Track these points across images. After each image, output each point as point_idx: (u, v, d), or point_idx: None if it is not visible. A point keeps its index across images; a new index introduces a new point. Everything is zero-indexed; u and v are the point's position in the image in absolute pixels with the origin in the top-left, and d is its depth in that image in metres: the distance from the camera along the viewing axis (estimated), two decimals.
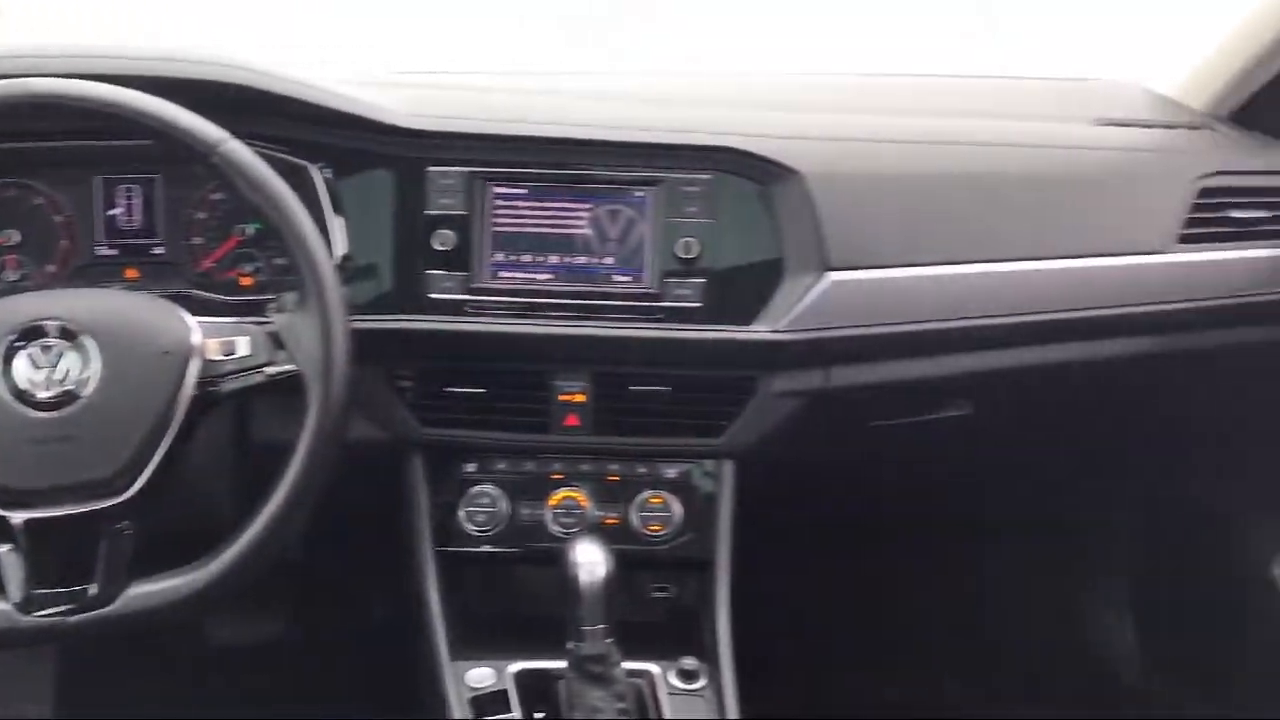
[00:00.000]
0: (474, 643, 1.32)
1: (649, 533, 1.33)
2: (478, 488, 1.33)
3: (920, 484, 1.83)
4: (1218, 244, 1.43)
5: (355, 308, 1.21)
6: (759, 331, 1.28)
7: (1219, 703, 1.82)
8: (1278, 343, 1.51)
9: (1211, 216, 1.43)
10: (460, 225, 1.27)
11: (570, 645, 1.18)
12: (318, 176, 1.25)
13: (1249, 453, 1.73)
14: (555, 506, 1.33)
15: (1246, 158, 1.51)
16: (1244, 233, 1.44)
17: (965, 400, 1.50)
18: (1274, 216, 1.46)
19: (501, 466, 1.34)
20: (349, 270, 1.25)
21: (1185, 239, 1.41)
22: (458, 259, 1.27)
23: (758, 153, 1.29)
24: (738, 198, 1.30)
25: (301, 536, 1.15)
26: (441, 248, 1.26)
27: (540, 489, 1.34)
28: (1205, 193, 1.43)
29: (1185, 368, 1.54)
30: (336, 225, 1.25)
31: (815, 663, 1.91)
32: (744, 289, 1.30)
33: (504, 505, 1.33)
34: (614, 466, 1.35)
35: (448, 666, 1.29)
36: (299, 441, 1.03)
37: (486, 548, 1.33)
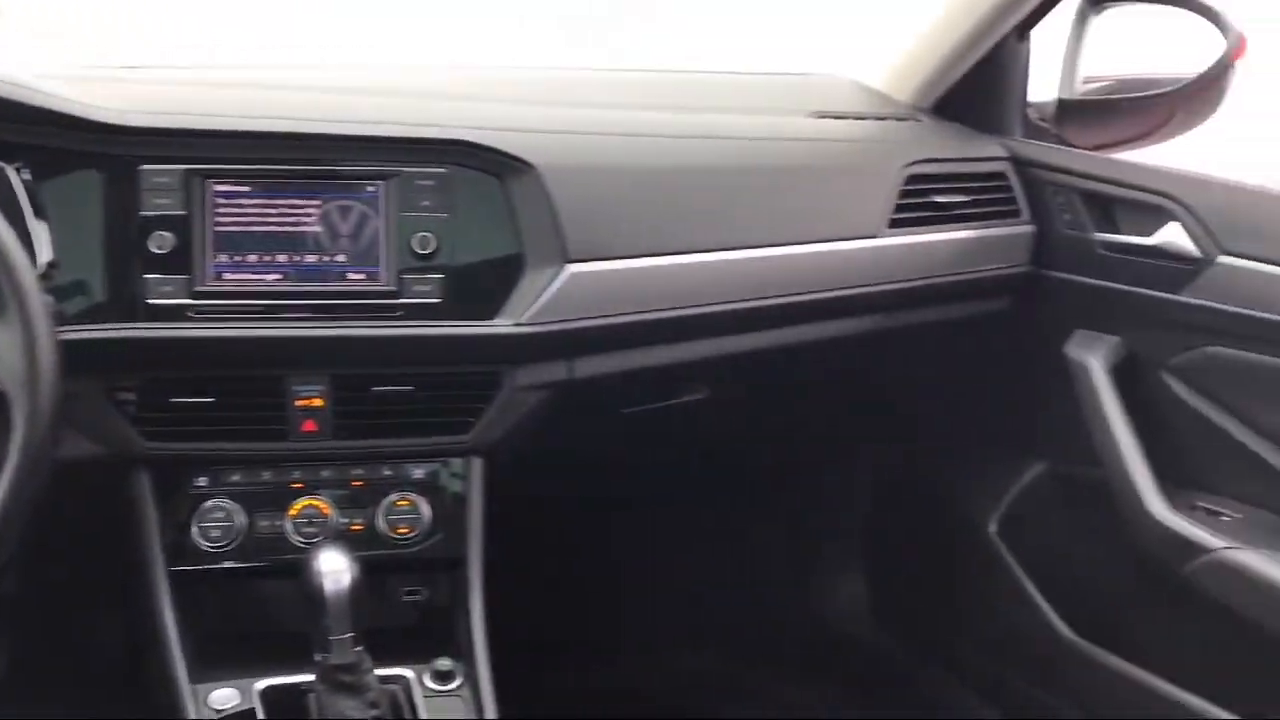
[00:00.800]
0: (216, 663, 1.27)
1: (397, 536, 1.31)
2: (211, 502, 1.27)
3: (666, 467, 1.88)
4: (923, 227, 1.53)
5: (65, 318, 1.14)
6: (501, 326, 1.28)
7: (947, 661, 1.96)
8: (976, 320, 1.64)
9: (917, 202, 1.53)
10: (179, 226, 1.20)
11: (318, 657, 1.15)
12: (15, 178, 1.15)
13: (958, 422, 1.87)
14: (296, 516, 1.28)
15: (947, 146, 1.63)
16: (946, 216, 1.55)
17: (702, 385, 1.55)
18: (972, 201, 1.58)
19: (236, 478, 1.28)
20: (55, 278, 1.16)
21: (894, 223, 1.50)
22: (177, 262, 1.20)
23: (490, 145, 1.28)
24: (474, 191, 1.28)
25: (13, 566, 1.07)
26: (159, 250, 1.19)
27: (279, 499, 1.29)
28: (911, 180, 1.53)
29: (898, 345, 1.65)
30: (39, 230, 1.16)
31: (572, 649, 1.93)
32: (484, 283, 1.29)
33: (240, 519, 1.27)
34: (358, 471, 1.31)
35: (187, 690, 1.23)
36: (2, 465, 0.95)
37: (226, 564, 1.27)
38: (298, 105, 1.31)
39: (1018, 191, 1.61)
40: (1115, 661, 1.61)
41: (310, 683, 1.19)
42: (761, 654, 2.05)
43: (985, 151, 1.63)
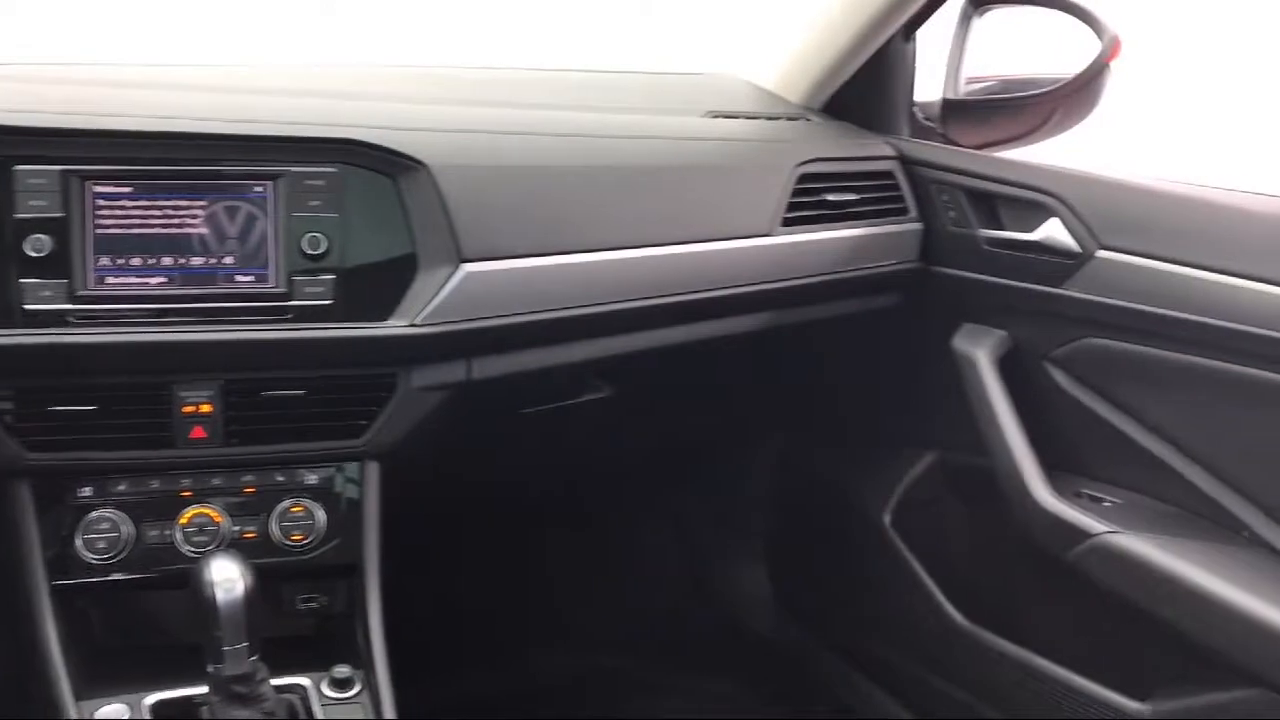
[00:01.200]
0: (104, 678, 1.23)
1: (291, 543, 1.29)
2: (96, 513, 1.23)
3: (568, 466, 1.88)
4: (815, 225, 1.56)
5: None
6: (395, 327, 1.26)
7: (849, 651, 1.99)
8: (868, 315, 1.67)
9: (809, 200, 1.55)
10: (57, 229, 1.16)
11: (211, 668, 1.12)
12: None
13: (853, 415, 1.90)
14: (186, 525, 1.25)
15: (837, 146, 1.65)
16: (837, 215, 1.58)
17: (602, 383, 1.56)
18: (862, 199, 1.61)
19: (122, 488, 1.24)
20: None
21: (787, 222, 1.53)
22: (56, 265, 1.16)
23: (381, 144, 1.26)
24: (365, 191, 1.26)
25: None
26: (36, 254, 1.15)
27: (168, 508, 1.26)
28: (803, 179, 1.55)
29: (793, 342, 1.67)
30: None
31: (477, 651, 1.92)
32: (378, 284, 1.27)
33: (127, 529, 1.23)
34: (249, 477, 1.28)
35: (72, 707, 1.19)
36: None
37: (114, 576, 1.24)
38: (183, 104, 1.28)
39: (905, 190, 1.65)
40: (1006, 646, 1.65)
41: (204, 695, 1.16)
42: (668, 650, 2.06)
43: (874, 151, 1.66)
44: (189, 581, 1.15)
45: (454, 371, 1.34)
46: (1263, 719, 1.31)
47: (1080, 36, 1.61)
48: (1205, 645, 1.34)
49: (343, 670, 1.27)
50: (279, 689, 1.20)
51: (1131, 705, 1.48)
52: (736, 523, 2.18)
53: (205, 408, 1.24)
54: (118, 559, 1.23)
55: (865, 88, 1.72)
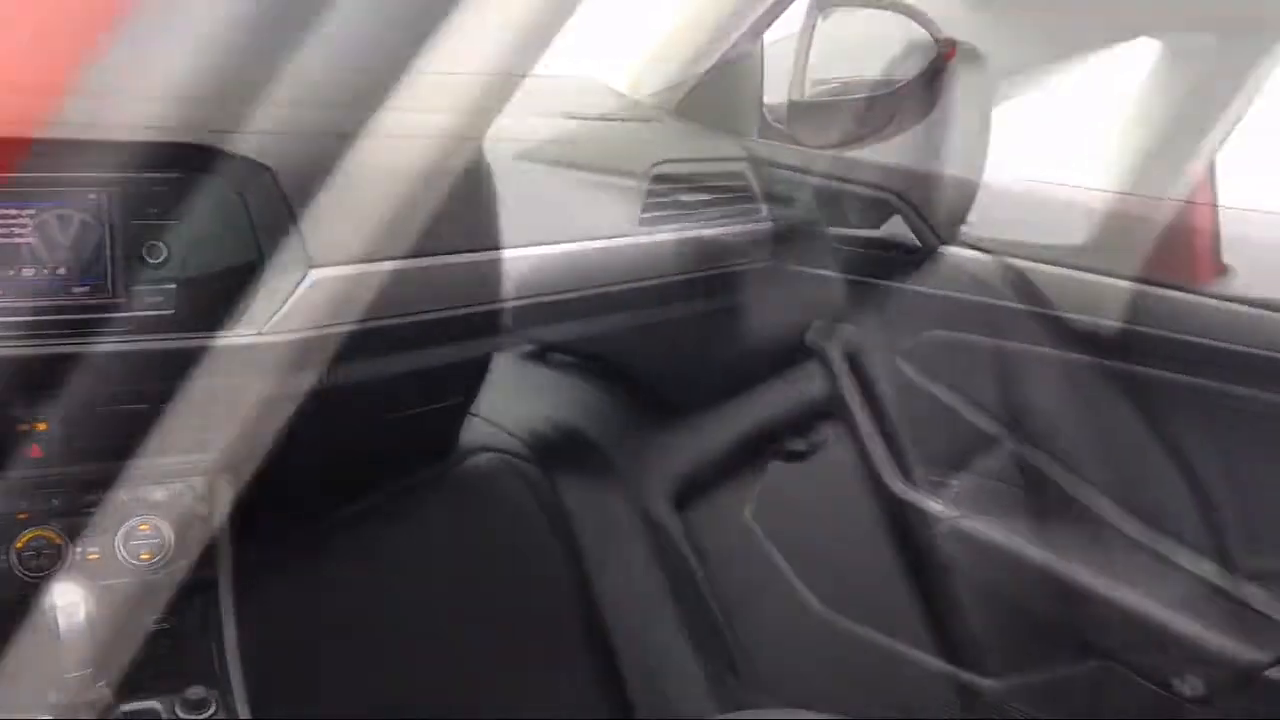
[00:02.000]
0: None
1: (139, 562, 1.24)
2: None
3: (434, 471, 1.86)
4: (671, 226, 1.57)
5: None
6: (242, 336, 1.22)
7: (720, 650, 2.01)
8: (722, 314, 1.70)
9: (664, 201, 1.57)
10: None
11: (53, 698, 1.08)
12: None
13: (708, 414, 1.93)
14: (23, 549, 1.19)
15: (690, 147, 1.68)
16: (692, 215, 1.60)
17: (463, 388, 1.54)
18: (715, 199, 1.63)
19: None
20: None
21: (644, 223, 1.54)
22: None
23: (222, 149, 1.23)
24: (207, 196, 1.22)
25: None
26: None
27: (2, 532, 1.19)
28: (658, 179, 1.57)
29: (651, 342, 1.69)
30: None
31: (338, 664, 1.88)
32: (222, 292, 1.22)
33: None
34: (91, 497, 1.23)
35: None
36: None
37: None
38: (11, 107, 1.22)
39: (756, 190, 1.68)
40: (868, 634, 1.70)
41: None
42: (542, 652, 2.05)
43: (725, 152, 1.69)
44: (28, 609, 1.10)
45: (305, 380, 1.30)
46: (1105, 688, 1.37)
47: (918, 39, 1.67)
48: (1050, 620, 1.40)
49: (197, 691, 1.23)
50: (128, 715, 1.16)
51: (984, 683, 1.54)
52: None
53: (41, 425, 1.18)
54: None
55: (715, 90, 1.75)
